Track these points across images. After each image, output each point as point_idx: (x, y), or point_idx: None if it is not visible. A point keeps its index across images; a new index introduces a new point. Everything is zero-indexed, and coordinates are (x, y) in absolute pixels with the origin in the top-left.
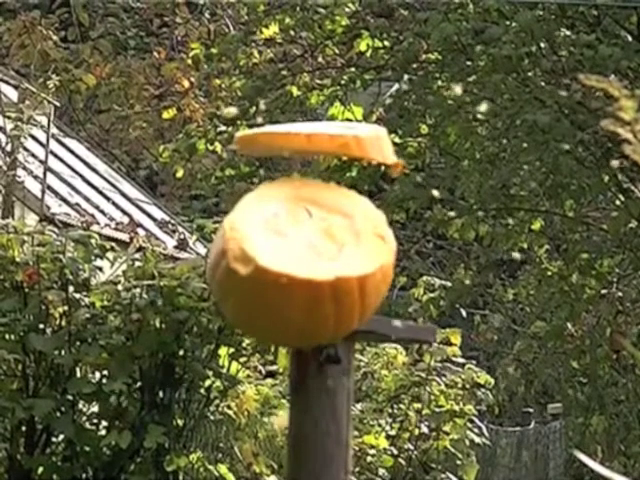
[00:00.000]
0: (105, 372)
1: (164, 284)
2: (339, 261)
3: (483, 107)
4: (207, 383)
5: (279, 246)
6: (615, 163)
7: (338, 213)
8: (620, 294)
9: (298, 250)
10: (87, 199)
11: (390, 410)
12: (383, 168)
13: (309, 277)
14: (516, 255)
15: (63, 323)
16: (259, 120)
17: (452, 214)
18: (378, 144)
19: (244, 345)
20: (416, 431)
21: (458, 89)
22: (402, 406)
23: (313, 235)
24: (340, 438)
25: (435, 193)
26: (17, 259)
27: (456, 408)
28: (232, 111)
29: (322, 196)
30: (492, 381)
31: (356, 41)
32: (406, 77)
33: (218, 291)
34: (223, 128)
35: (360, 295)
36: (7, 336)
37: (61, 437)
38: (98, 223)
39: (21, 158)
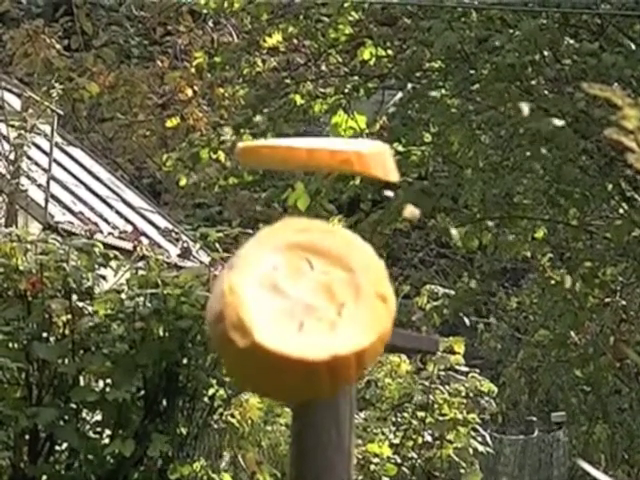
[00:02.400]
0: (109, 381)
1: (168, 292)
2: (337, 331)
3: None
4: (211, 391)
5: (277, 312)
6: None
7: (339, 265)
8: (623, 302)
9: (296, 315)
10: (90, 207)
11: (394, 418)
12: None
13: (305, 357)
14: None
15: (66, 332)
16: (262, 128)
17: (454, 232)
18: (380, 160)
19: None
20: (420, 439)
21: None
22: (406, 414)
23: (312, 293)
24: (342, 446)
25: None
26: (20, 267)
27: (460, 416)
28: (229, 131)
29: (324, 244)
30: (495, 389)
31: (359, 49)
32: (409, 85)
33: (216, 347)
34: (226, 137)
35: (357, 366)
36: (10, 344)
37: (64, 446)
38: (101, 231)
39: (24, 167)
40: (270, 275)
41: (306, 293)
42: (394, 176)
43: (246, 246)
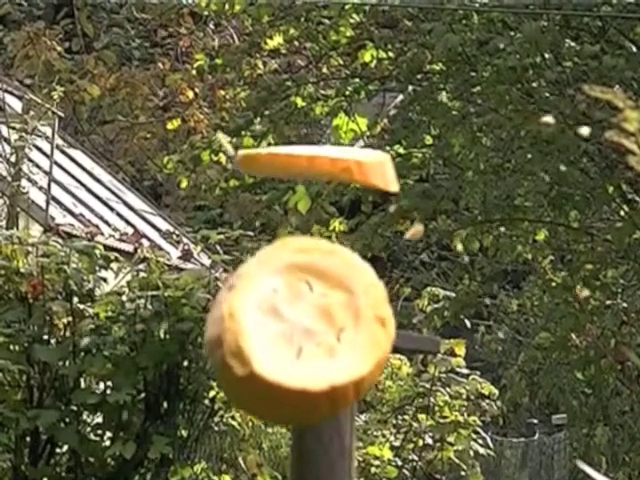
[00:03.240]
0: (109, 383)
1: (168, 295)
2: (336, 357)
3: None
4: (211, 394)
5: (276, 337)
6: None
7: (339, 287)
8: (625, 305)
9: (295, 340)
10: (91, 210)
11: (394, 421)
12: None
13: (303, 388)
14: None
15: (67, 334)
16: (259, 132)
17: (460, 246)
18: (380, 170)
19: None
20: (420, 442)
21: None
22: (406, 417)
23: (311, 317)
24: (343, 449)
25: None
26: (21, 270)
27: (460, 419)
28: (222, 137)
29: (324, 265)
30: (496, 392)
31: (360, 52)
32: (410, 88)
33: (214, 370)
34: (227, 139)
35: (355, 393)
36: (11, 347)
37: (65, 448)
38: (102, 234)
39: (25, 169)
40: (270, 298)
41: (305, 317)
42: (394, 186)
43: (246, 265)
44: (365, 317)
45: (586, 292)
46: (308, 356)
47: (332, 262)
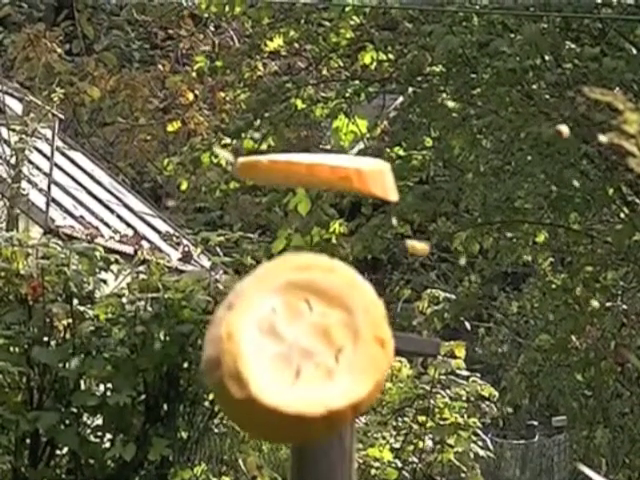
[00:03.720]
0: (109, 385)
1: (168, 297)
2: (334, 379)
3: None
4: (211, 396)
5: (274, 359)
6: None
7: (338, 306)
8: (625, 307)
9: (293, 361)
10: (91, 212)
11: (394, 423)
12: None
13: (301, 413)
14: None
15: (67, 336)
16: (263, 132)
17: (463, 260)
18: (380, 179)
19: None
20: (420, 444)
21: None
22: (406, 419)
23: (310, 337)
24: (344, 451)
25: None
26: (21, 272)
27: (460, 421)
28: (225, 154)
29: (324, 283)
30: (496, 394)
31: (360, 54)
32: (410, 90)
33: (212, 391)
34: (227, 141)
35: (353, 415)
36: (11, 349)
37: (65, 450)
38: (102, 236)
39: (25, 171)
40: (268, 318)
41: (304, 337)
42: (393, 195)
43: (245, 283)
44: (364, 337)
45: (596, 303)
46: (306, 378)
47: (332, 280)
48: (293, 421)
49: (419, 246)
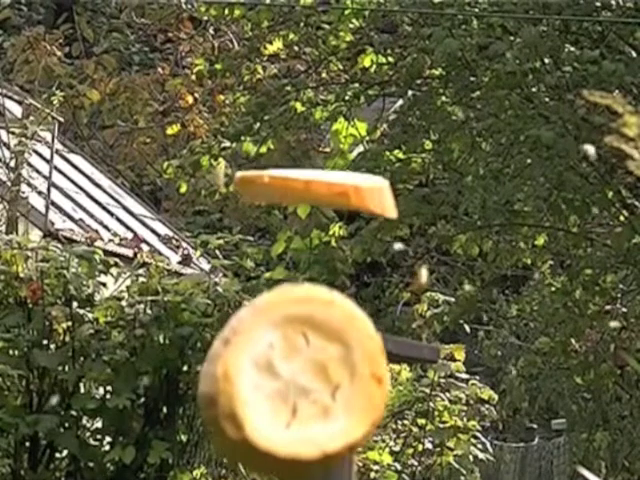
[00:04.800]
0: (109, 388)
1: (168, 300)
2: (331, 418)
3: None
4: None
5: (271, 397)
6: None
7: (336, 340)
8: (624, 310)
9: (290, 398)
10: (91, 215)
11: (394, 426)
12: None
13: (295, 456)
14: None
15: (67, 339)
16: (263, 134)
17: (468, 288)
18: (378, 196)
19: None
20: (420, 447)
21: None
22: (406, 422)
23: (307, 374)
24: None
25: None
26: (21, 275)
27: (460, 424)
28: (219, 174)
29: (322, 316)
30: (496, 397)
31: (360, 57)
32: (410, 93)
33: (207, 428)
34: (227, 144)
35: (349, 453)
36: (11, 352)
37: (65, 453)
38: (102, 239)
39: (25, 174)
40: (265, 354)
41: (301, 373)
42: (391, 212)
43: (242, 315)
44: (361, 374)
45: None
46: (302, 417)
47: (331, 313)
48: (289, 463)
49: (421, 279)
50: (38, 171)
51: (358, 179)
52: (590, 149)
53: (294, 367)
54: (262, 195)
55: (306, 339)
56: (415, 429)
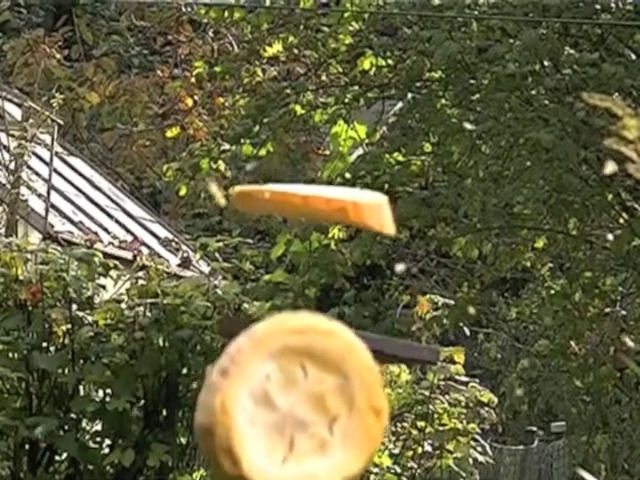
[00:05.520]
0: (108, 390)
1: (167, 302)
2: (328, 452)
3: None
4: None
5: (268, 430)
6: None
7: (335, 371)
8: (624, 312)
9: (287, 431)
10: (90, 217)
11: (393, 428)
12: (387, 186)
13: None
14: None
15: (66, 341)
16: (263, 137)
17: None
18: (377, 213)
19: None
20: (419, 449)
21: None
22: (405, 424)
23: (304, 406)
24: None
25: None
26: (20, 277)
27: (459, 426)
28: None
29: (321, 346)
30: (495, 399)
31: (360, 59)
32: (410, 95)
33: (204, 454)
34: (226, 147)
35: None
36: (10, 354)
37: (64, 455)
38: (101, 241)
39: (25, 176)
40: (263, 386)
41: (298, 406)
42: (390, 229)
43: (240, 345)
44: (359, 406)
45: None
46: (300, 451)
47: (329, 344)
48: None
49: (423, 304)
50: (38, 174)
51: (357, 195)
52: (611, 166)
53: (292, 399)
54: (260, 209)
55: (304, 370)
56: (414, 432)
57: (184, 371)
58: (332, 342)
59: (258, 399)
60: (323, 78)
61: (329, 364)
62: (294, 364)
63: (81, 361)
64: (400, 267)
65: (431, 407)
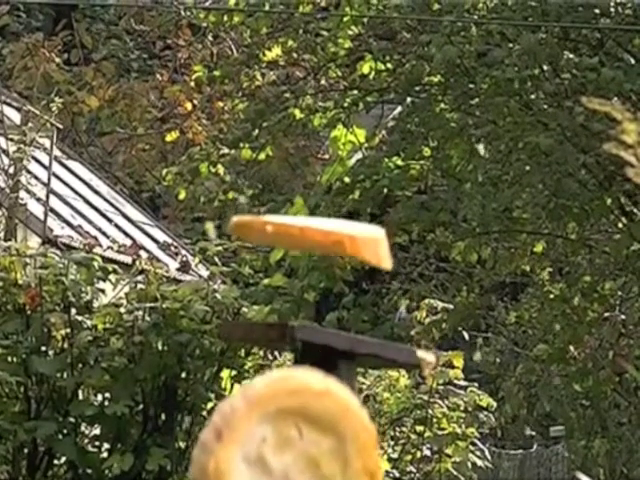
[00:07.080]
0: (107, 394)
1: (166, 306)
2: None
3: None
4: (209, 405)
5: None
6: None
7: (330, 432)
8: (623, 317)
9: None
10: (90, 221)
11: (392, 433)
12: (386, 190)
13: None
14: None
15: (65, 345)
16: (262, 141)
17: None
18: (374, 246)
19: (246, 367)
20: (418, 454)
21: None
22: (404, 429)
23: (298, 468)
24: None
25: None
26: (19, 281)
27: (458, 431)
28: (211, 228)
29: (315, 408)
30: (494, 404)
31: (359, 64)
32: (409, 99)
33: None
34: (226, 151)
35: None
36: (9, 358)
37: (63, 459)
38: (100, 245)
39: (24, 180)
40: (258, 448)
41: (293, 468)
42: (387, 263)
43: (234, 406)
44: (353, 467)
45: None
46: None
47: (324, 405)
48: None
49: (425, 358)
50: (37, 178)
51: (354, 228)
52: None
53: (286, 460)
54: (258, 239)
55: (299, 431)
56: (413, 436)
57: (183, 375)
58: (327, 403)
59: (253, 462)
60: (322, 82)
61: (324, 424)
62: (289, 425)
63: (80, 365)
64: (402, 311)
65: (430, 411)
